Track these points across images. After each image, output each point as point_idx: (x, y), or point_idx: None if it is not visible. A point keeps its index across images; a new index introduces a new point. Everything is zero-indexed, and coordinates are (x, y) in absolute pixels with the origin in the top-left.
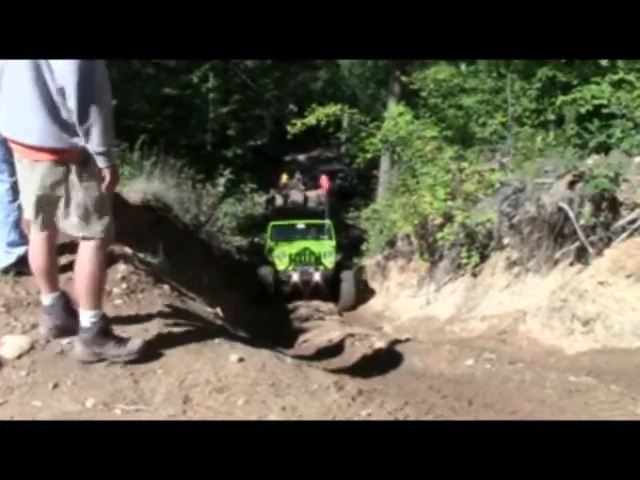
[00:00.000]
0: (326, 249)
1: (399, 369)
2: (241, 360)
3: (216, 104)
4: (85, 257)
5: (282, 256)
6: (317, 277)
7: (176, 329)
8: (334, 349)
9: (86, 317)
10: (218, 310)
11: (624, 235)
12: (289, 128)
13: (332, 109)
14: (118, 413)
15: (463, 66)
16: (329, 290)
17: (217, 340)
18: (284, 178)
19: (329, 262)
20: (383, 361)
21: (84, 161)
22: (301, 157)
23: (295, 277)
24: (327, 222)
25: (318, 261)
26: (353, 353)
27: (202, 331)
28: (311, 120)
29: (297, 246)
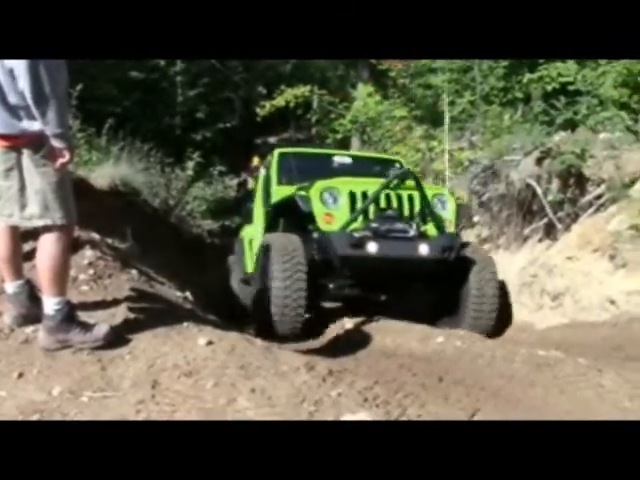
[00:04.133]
0: (435, 192)
1: (370, 349)
2: (210, 343)
3: (184, 87)
4: (47, 245)
5: (327, 194)
6: (424, 249)
7: (144, 314)
8: (306, 330)
9: (50, 305)
10: (188, 294)
11: (591, 210)
12: (258, 110)
13: (301, 90)
14: (85, 401)
15: None
16: (439, 285)
17: (186, 324)
18: (255, 161)
19: (449, 220)
20: (355, 342)
21: (38, 146)
22: (272, 139)
23: (373, 246)
24: (399, 159)
25: (421, 216)
26: (325, 334)
27: (171, 315)
28: (280, 102)
29: (363, 183)
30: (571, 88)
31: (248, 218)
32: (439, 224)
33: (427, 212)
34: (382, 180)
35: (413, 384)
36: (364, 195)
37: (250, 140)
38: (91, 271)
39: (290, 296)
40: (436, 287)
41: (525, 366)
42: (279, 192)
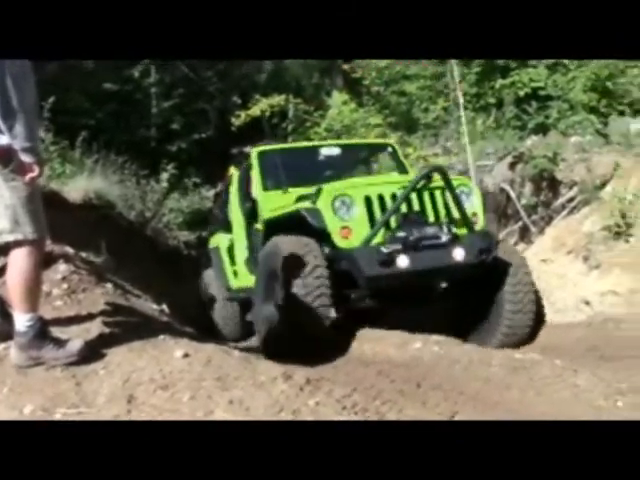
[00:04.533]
0: (458, 184)
1: (348, 357)
2: (186, 356)
3: (158, 98)
4: (18, 260)
5: (339, 203)
6: (460, 254)
7: (119, 328)
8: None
9: (21, 321)
10: (164, 307)
11: (564, 213)
12: (234, 120)
13: (276, 100)
14: (59, 418)
15: None
16: (467, 292)
17: (162, 337)
18: (232, 171)
19: (477, 216)
20: (332, 349)
21: (6, 161)
22: (248, 149)
23: (403, 260)
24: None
25: (449, 215)
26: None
27: (146, 329)
28: (255, 111)
29: (377, 184)
30: (542, 93)
31: (222, 225)
32: (468, 222)
33: (455, 210)
34: (398, 177)
35: (391, 390)
36: (381, 199)
37: (226, 150)
38: (65, 285)
39: (312, 292)
40: (463, 295)
41: (502, 369)
42: (267, 200)
